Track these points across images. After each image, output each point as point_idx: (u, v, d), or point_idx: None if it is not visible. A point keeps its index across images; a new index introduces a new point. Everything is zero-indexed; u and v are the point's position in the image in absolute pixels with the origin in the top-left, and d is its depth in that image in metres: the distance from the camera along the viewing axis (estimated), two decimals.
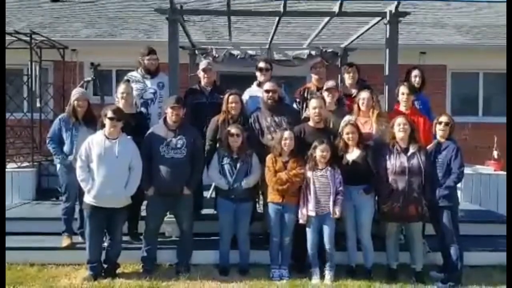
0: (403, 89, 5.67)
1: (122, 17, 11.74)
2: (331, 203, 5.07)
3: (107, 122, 5.06)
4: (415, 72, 6.21)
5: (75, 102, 5.62)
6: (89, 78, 8.28)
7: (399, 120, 5.14)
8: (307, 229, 5.16)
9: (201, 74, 6.20)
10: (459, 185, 5.31)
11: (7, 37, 7.95)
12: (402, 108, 5.69)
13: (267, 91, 5.64)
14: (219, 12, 8.12)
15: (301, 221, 5.15)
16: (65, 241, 5.74)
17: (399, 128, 5.10)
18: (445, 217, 5.10)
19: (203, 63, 6.33)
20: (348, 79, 6.33)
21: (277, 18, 6.64)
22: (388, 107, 5.93)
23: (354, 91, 6.05)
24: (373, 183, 5.18)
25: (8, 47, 7.89)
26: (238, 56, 7.53)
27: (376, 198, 5.29)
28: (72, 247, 5.69)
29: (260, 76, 6.19)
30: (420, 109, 5.95)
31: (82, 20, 11.41)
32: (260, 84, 6.17)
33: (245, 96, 6.02)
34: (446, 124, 5.17)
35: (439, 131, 5.20)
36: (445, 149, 5.14)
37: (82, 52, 9.76)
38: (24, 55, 8.07)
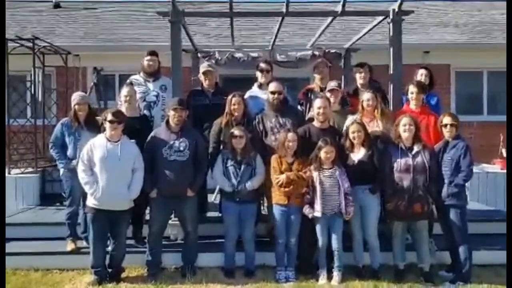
0: (412, 88, 5.60)
1: (124, 21, 11.75)
2: (343, 203, 5.01)
3: (107, 125, 5.04)
4: (421, 71, 6.11)
5: (76, 106, 5.62)
6: (92, 83, 8.28)
7: (404, 120, 5.09)
8: (316, 230, 5.11)
9: (201, 77, 6.18)
10: (467, 184, 5.25)
11: (10, 43, 7.96)
12: (412, 106, 5.63)
13: (273, 92, 5.60)
14: (221, 14, 8.09)
15: (310, 216, 5.06)
16: (69, 245, 5.71)
17: (404, 129, 5.07)
18: (454, 215, 5.06)
19: (203, 66, 6.33)
20: (359, 79, 6.21)
21: (279, 19, 6.61)
22: (392, 106, 5.88)
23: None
24: (378, 182, 5.13)
25: (11, 52, 7.90)
26: (241, 59, 7.50)
27: (382, 197, 5.24)
28: (76, 251, 5.66)
29: (261, 77, 6.18)
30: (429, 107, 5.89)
31: (84, 25, 11.42)
32: (261, 85, 6.16)
33: (246, 97, 5.97)
34: (451, 125, 5.12)
35: (446, 132, 5.16)
36: (454, 147, 5.09)
37: (85, 58, 9.76)
38: (27, 61, 8.06)
